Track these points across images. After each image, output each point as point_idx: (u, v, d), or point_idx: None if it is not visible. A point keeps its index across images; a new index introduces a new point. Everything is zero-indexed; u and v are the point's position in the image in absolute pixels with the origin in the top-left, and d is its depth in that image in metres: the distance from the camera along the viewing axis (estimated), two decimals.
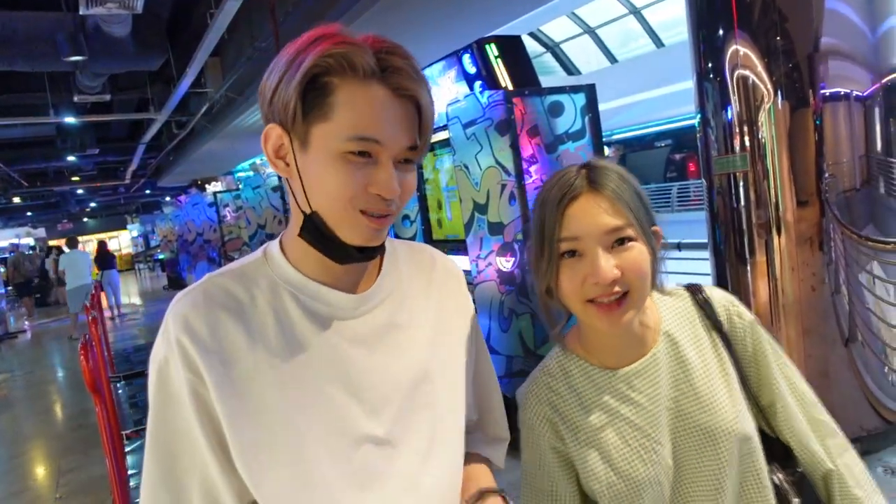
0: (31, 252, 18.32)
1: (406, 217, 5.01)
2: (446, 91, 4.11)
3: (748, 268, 3.03)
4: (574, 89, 3.46)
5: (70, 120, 8.84)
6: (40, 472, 4.68)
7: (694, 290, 1.00)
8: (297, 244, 0.79)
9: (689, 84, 3.32)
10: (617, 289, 0.86)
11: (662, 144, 15.11)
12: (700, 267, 3.38)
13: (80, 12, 4.67)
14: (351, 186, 0.71)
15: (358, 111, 0.71)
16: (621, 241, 0.87)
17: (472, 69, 3.72)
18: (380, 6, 4.57)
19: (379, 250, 0.80)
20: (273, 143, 0.77)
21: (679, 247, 3.56)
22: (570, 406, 0.97)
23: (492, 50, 3.67)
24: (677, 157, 14.67)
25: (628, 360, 0.95)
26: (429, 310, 0.88)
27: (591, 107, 3.50)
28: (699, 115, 3.25)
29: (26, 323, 13.15)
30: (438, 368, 0.85)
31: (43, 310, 15.18)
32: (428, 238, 4.79)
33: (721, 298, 1.00)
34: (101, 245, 13.09)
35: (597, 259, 0.86)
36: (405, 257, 0.91)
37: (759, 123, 3.00)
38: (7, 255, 18.02)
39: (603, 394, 0.96)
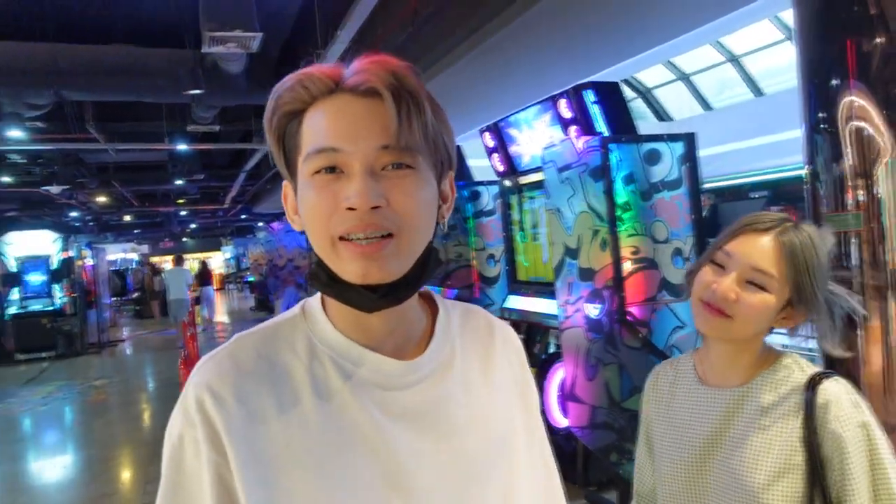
0: (135, 267, 19.68)
1: (491, 257, 5.03)
2: (540, 135, 4.14)
3: (860, 333, 2.84)
4: (672, 138, 3.41)
5: (182, 147, 9.54)
6: (128, 477, 4.93)
7: (818, 374, 1.03)
8: (335, 302, 0.68)
9: (791, 134, 3.19)
10: (726, 310, 1.00)
11: (757, 196, 14.50)
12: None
13: (203, 51, 5.08)
14: (321, 206, 0.62)
15: (315, 127, 0.64)
16: (757, 284, 1.00)
17: (567, 114, 3.74)
18: (477, 51, 4.70)
19: (403, 291, 0.66)
20: (290, 202, 0.70)
21: None
22: (662, 387, 1.19)
23: (589, 96, 3.68)
24: (773, 210, 14.04)
25: (718, 384, 1.10)
26: (486, 385, 0.75)
27: (690, 156, 3.43)
28: (808, 168, 3.11)
29: (125, 332, 14.05)
30: (495, 456, 0.71)
31: (140, 322, 16.18)
32: (512, 278, 4.78)
33: (830, 392, 1.00)
34: (203, 264, 14.21)
35: (725, 280, 1.01)
36: (459, 322, 0.78)
37: (875, 178, 2.83)
38: (115, 269, 19.46)
39: (687, 397, 1.14)
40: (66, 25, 6.22)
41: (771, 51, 11.67)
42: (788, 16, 10.24)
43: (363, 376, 0.67)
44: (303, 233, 0.67)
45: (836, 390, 1.01)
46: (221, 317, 16.25)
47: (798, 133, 3.17)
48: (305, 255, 11.42)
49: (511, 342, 0.82)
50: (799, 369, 1.05)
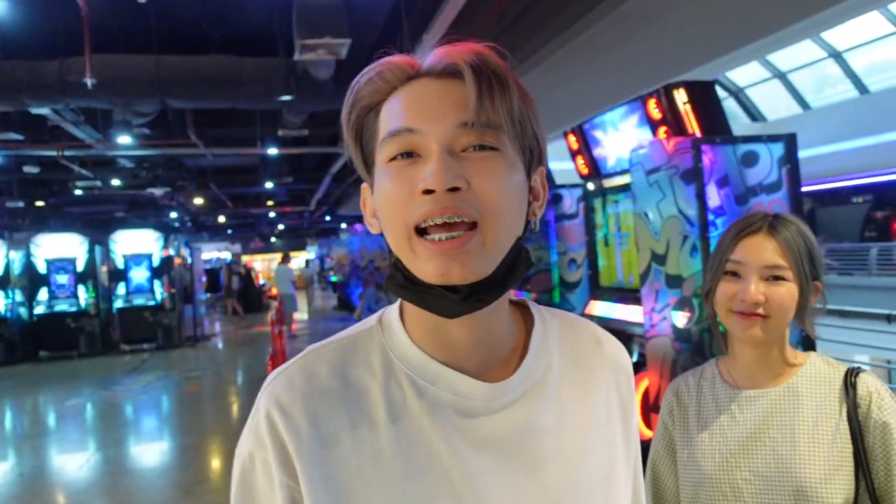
0: (229, 265, 20.76)
1: (573, 261, 4.95)
2: (626, 136, 4.03)
3: None
4: (771, 139, 3.24)
5: (273, 151, 9.96)
6: (218, 466, 5.18)
7: (852, 370, 1.09)
8: (413, 311, 0.63)
9: None
10: (760, 311, 1.05)
11: (860, 200, 13.56)
12: None
13: (294, 58, 5.28)
14: (397, 194, 0.57)
15: (391, 113, 0.60)
16: (776, 278, 1.06)
17: (657, 115, 3.62)
18: (563, 52, 4.65)
19: (488, 292, 0.58)
20: (368, 204, 0.66)
21: (889, 319, 3.14)
22: (689, 399, 1.19)
23: (680, 95, 3.55)
24: (878, 214, 13.06)
25: (751, 386, 1.12)
26: (585, 411, 0.66)
27: (790, 158, 3.24)
28: None
29: (218, 327, 14.81)
30: (589, 492, 0.63)
31: (230, 318, 17.00)
32: (594, 284, 4.68)
33: (870, 384, 1.06)
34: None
35: (749, 283, 1.06)
36: (558, 336, 0.69)
37: None
38: (211, 267, 20.59)
39: (716, 402, 1.15)
40: (168, 37, 6.64)
41: (878, 45, 10.88)
42: None
43: (442, 399, 0.61)
44: (381, 235, 0.63)
45: (874, 382, 1.07)
46: (304, 316, 16.84)
47: None
48: (385, 257, 11.67)
49: (621, 363, 0.72)
50: (829, 366, 1.11)
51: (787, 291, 1.06)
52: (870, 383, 1.06)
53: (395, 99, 0.60)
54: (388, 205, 0.58)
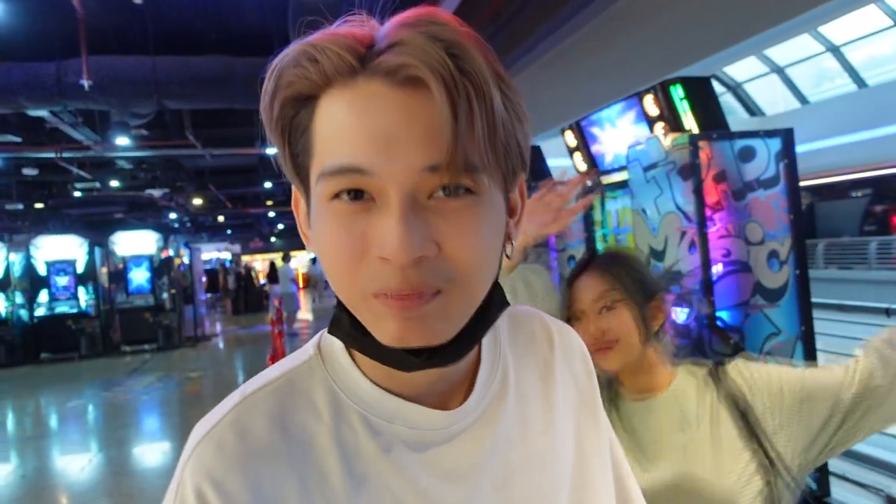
0: (228, 268, 20.79)
1: (572, 258, 4.95)
2: (624, 133, 4.04)
3: None
4: (769, 134, 3.24)
5: (271, 151, 9.94)
6: None
7: (713, 365, 1.16)
8: None
9: None
10: (608, 341, 1.10)
11: (859, 194, 13.57)
12: None
13: None
14: (343, 250, 0.45)
15: (331, 131, 0.45)
16: (608, 308, 1.12)
17: (654, 111, 3.63)
18: (560, 48, 4.64)
19: (455, 352, 0.49)
20: (302, 212, 0.53)
21: (888, 313, 3.15)
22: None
23: (677, 91, 3.56)
24: (878, 208, 13.08)
25: (642, 397, 1.17)
26: (547, 410, 0.61)
27: (788, 152, 3.24)
28: None
29: (218, 327, 14.84)
30: (562, 490, 0.59)
31: (231, 317, 17.02)
32: None
33: (733, 365, 1.12)
34: (272, 264, 15.25)
35: (587, 322, 1.13)
36: (509, 335, 0.63)
37: None
38: (211, 267, 20.61)
39: (621, 413, 1.18)
40: (164, 38, 6.64)
41: (876, 39, 10.88)
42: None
43: (401, 435, 0.53)
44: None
45: (734, 365, 1.13)
46: (304, 315, 16.85)
47: None
48: None
49: (573, 347, 0.67)
50: (699, 368, 1.17)
51: (620, 316, 1.11)
52: (733, 369, 1.12)
53: (336, 107, 0.45)
54: (333, 262, 0.46)
